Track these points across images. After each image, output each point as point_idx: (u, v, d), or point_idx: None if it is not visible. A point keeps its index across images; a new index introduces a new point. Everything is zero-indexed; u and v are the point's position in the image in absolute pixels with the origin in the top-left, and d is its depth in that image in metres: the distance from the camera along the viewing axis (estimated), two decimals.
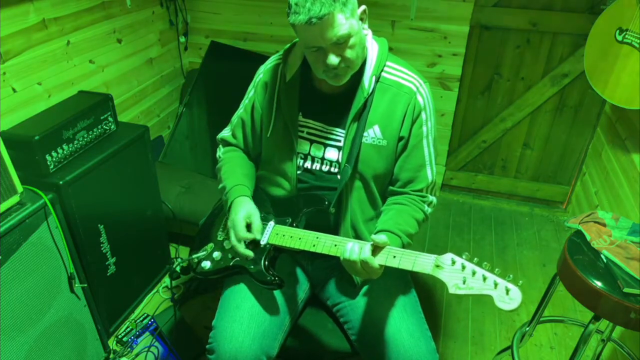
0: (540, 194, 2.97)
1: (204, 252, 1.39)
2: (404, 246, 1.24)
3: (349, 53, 1.16)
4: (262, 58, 1.45)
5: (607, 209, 2.25)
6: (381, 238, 1.09)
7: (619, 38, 1.96)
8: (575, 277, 1.34)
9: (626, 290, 1.26)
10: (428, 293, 2.30)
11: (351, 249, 1.12)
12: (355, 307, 1.36)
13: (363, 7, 1.19)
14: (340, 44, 1.14)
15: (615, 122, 2.37)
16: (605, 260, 1.37)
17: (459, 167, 3.03)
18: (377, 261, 1.10)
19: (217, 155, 1.50)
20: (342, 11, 1.10)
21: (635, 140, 2.08)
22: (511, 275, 0.99)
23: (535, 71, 2.63)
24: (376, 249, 1.11)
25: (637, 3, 1.86)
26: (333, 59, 1.14)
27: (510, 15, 2.51)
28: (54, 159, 1.64)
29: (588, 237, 1.45)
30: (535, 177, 2.94)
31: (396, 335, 1.25)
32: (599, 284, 1.30)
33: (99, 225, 1.80)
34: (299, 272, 1.48)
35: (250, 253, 1.26)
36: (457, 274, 1.01)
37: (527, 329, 1.72)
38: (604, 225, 1.49)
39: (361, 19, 1.20)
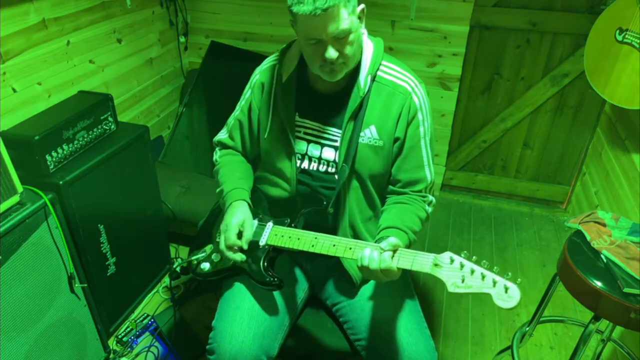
0: (540, 194, 2.96)
1: (204, 254, 1.39)
2: (410, 242, 1.24)
3: (347, 49, 1.16)
4: (262, 58, 1.45)
5: (607, 209, 2.25)
6: (393, 241, 1.09)
7: (619, 38, 1.96)
8: (575, 277, 1.34)
9: (626, 290, 1.26)
10: (428, 293, 2.30)
11: (370, 257, 1.09)
12: (354, 307, 1.36)
13: (362, 6, 1.20)
14: (341, 39, 1.14)
15: (615, 122, 2.36)
16: (605, 260, 1.37)
17: (459, 167, 3.03)
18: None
19: (214, 159, 1.50)
20: (346, 6, 1.11)
21: (635, 140, 2.08)
22: (510, 273, 0.98)
23: (535, 71, 2.63)
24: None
25: (637, 3, 1.86)
26: (332, 53, 1.14)
27: (510, 15, 2.51)
28: (54, 159, 1.64)
29: (588, 237, 1.45)
30: (535, 177, 2.94)
31: (395, 334, 1.26)
32: (599, 284, 1.30)
33: (99, 225, 1.80)
34: (298, 272, 1.48)
35: (237, 257, 1.26)
36: (455, 272, 1.01)
37: (527, 329, 1.72)
38: (604, 225, 1.49)
39: (359, 18, 1.20)
